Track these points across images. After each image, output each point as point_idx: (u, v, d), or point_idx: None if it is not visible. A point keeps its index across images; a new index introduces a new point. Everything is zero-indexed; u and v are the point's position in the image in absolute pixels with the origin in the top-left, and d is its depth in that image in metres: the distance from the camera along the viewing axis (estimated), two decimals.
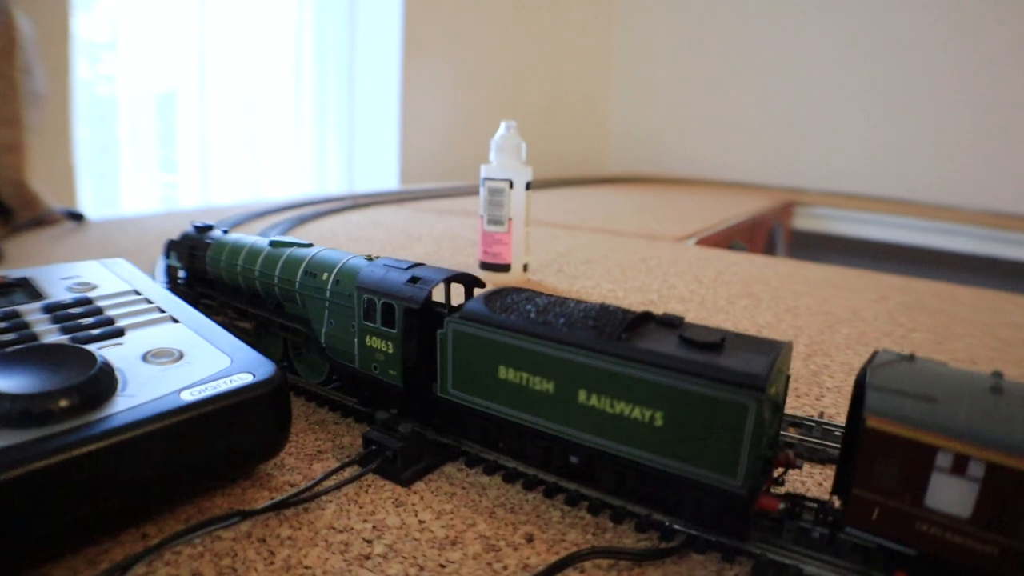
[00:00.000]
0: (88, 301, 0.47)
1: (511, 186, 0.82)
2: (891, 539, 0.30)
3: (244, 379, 0.38)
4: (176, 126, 1.81)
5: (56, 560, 0.33)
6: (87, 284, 0.51)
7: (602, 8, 3.11)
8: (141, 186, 1.75)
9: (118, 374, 0.37)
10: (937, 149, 2.36)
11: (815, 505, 0.36)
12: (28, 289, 0.50)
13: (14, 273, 0.52)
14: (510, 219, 0.83)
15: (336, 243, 1.10)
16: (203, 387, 0.37)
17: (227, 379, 0.38)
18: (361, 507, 0.40)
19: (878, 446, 0.29)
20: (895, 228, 2.01)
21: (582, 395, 0.36)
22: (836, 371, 0.64)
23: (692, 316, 0.78)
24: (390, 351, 0.44)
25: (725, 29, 2.82)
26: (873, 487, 0.30)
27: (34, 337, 0.41)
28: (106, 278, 0.52)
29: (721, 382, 0.32)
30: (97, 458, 0.32)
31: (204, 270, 0.58)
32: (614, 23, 3.14)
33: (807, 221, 2.12)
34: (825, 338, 0.73)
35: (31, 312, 0.45)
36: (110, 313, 0.45)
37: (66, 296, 0.48)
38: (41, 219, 1.21)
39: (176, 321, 0.45)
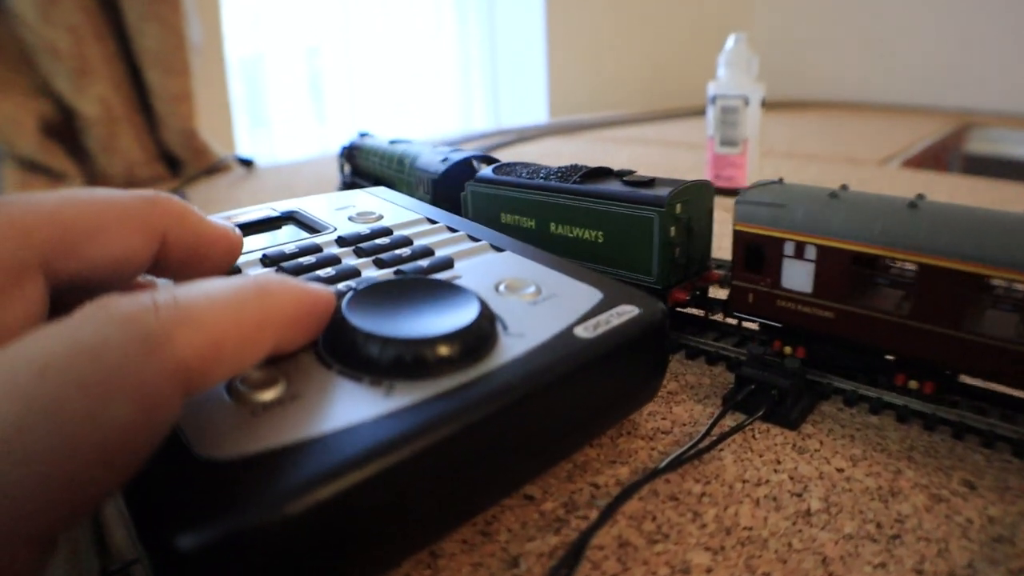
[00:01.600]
0: (388, 231, 0.41)
1: (746, 103, 0.74)
2: (763, 317, 0.40)
3: (631, 311, 0.32)
4: (323, 78, 1.78)
5: (443, 533, 0.28)
6: (370, 214, 0.45)
7: None
8: (293, 137, 1.74)
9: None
10: None
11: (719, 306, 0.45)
12: (301, 223, 0.45)
13: (279, 205, 0.47)
14: (745, 140, 0.75)
15: None
16: (594, 322, 0.31)
17: (613, 312, 0.32)
18: (760, 455, 0.34)
19: (744, 244, 0.39)
20: None
21: (552, 227, 0.47)
22: None
23: None
24: None
25: None
26: (745, 277, 0.40)
27: (356, 272, 0.36)
28: (384, 207, 0.47)
29: (637, 203, 0.41)
30: (508, 412, 0.26)
31: (358, 165, 0.81)
32: None
33: (980, 145, 1.95)
34: None
35: (329, 246, 0.40)
36: (421, 242, 0.40)
37: (357, 227, 0.42)
38: (213, 168, 1.20)
39: (500, 250, 0.39)
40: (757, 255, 0.39)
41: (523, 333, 0.30)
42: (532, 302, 0.32)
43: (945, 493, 0.31)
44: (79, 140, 1.15)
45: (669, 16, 2.54)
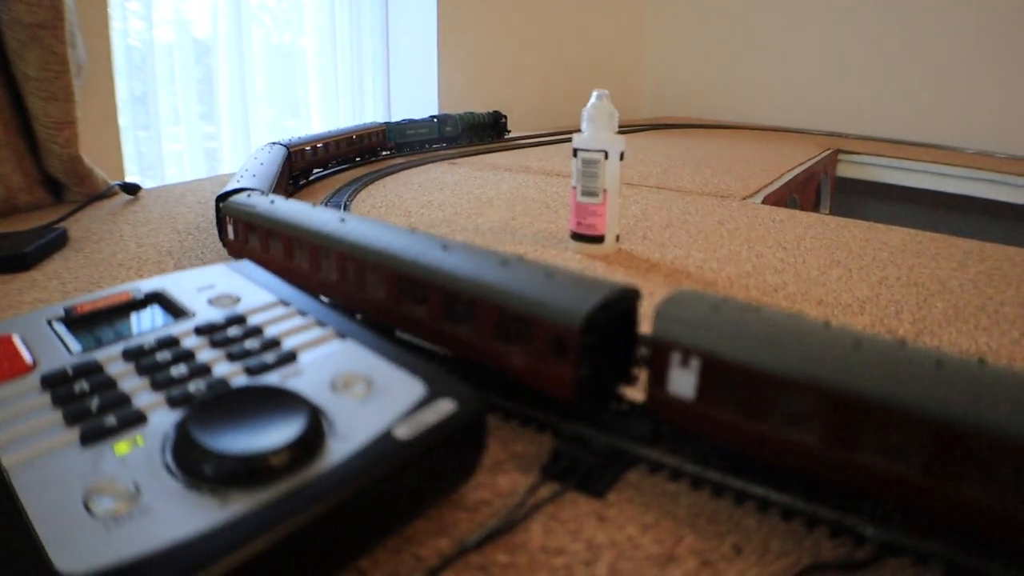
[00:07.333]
0: (242, 319, 0.45)
1: (606, 157, 0.80)
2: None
3: (448, 408, 0.36)
4: (214, 76, 1.78)
5: None
6: (229, 296, 0.49)
7: None
8: (182, 138, 1.73)
9: (323, 413, 0.35)
10: (986, 93, 2.30)
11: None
12: (165, 303, 0.48)
13: (145, 285, 0.50)
14: (604, 190, 0.81)
15: (406, 209, 1.08)
16: (412, 421, 0.35)
17: (432, 409, 0.36)
18: (564, 524, 0.39)
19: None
20: (941, 177, 1.98)
21: None
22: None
23: (790, 289, 0.77)
24: None
25: None
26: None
27: (207, 369, 0.39)
28: (243, 286, 0.50)
29: None
30: (330, 514, 0.30)
31: None
32: None
33: (850, 169, 2.08)
34: (925, 314, 0.72)
35: (187, 336, 0.43)
36: (271, 332, 0.43)
37: (215, 314, 0.46)
38: (97, 196, 1.19)
39: (343, 336, 0.43)
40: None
41: (348, 435, 0.34)
42: (361, 401, 0.37)
43: (715, 557, 0.37)
44: None
45: (559, 42, 2.61)
